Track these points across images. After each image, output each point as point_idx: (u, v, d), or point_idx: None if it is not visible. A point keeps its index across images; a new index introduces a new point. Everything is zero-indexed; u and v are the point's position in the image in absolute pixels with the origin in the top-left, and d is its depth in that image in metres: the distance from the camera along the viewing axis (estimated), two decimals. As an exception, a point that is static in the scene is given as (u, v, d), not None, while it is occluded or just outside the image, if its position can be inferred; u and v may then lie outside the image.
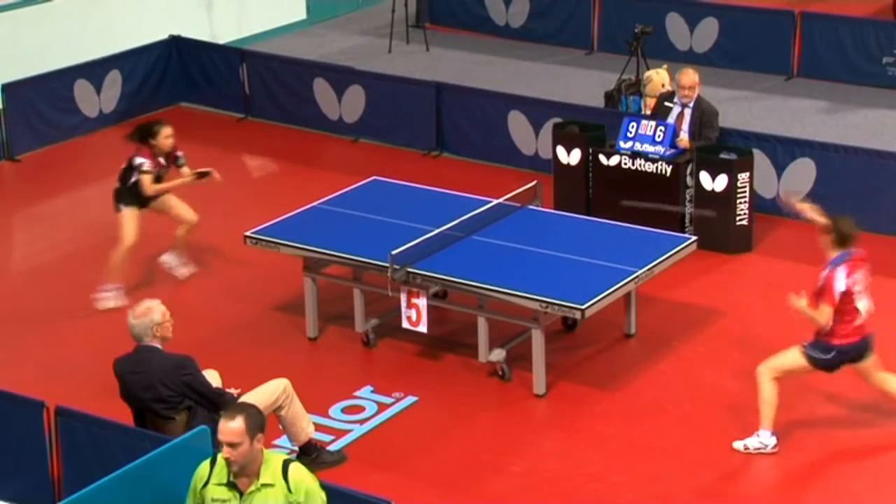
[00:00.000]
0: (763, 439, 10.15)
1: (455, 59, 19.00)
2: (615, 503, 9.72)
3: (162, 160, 12.65)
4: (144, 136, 12.59)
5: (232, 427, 7.80)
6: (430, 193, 12.75)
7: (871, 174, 13.60)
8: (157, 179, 12.68)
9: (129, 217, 12.56)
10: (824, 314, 9.82)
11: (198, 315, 12.28)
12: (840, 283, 9.83)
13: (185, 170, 12.86)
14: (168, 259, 13.08)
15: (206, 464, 8.12)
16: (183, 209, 12.88)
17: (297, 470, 8.02)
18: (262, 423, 7.96)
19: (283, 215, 12.43)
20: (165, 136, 12.58)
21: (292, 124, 16.84)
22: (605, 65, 18.05)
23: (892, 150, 14.01)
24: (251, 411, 7.96)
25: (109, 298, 12.55)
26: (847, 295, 9.87)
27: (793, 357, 10.09)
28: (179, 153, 12.85)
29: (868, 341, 10.04)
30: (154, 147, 12.56)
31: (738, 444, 10.21)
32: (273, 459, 8.02)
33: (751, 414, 10.62)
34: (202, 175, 12.79)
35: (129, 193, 12.58)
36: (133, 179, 12.54)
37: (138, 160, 12.51)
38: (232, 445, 7.81)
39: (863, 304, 10.00)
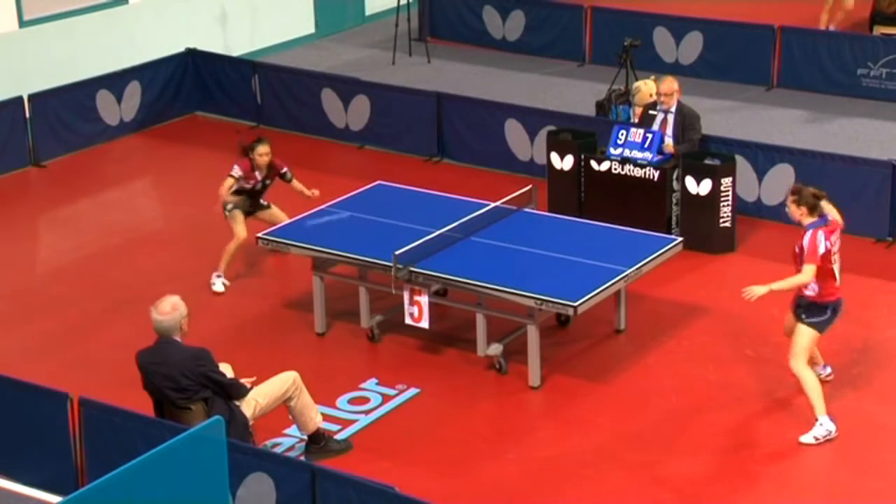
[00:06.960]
0: (826, 426, 10.08)
1: (455, 71, 18.97)
2: (605, 488, 9.71)
3: (258, 174, 12.74)
4: (245, 150, 12.76)
5: None
6: (431, 197, 12.73)
7: (846, 179, 13.55)
8: (260, 192, 12.85)
9: (237, 217, 12.78)
10: (808, 273, 9.87)
11: (214, 312, 12.28)
12: (821, 244, 9.91)
13: (295, 183, 12.99)
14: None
15: None
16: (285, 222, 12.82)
17: None
18: None
19: (293, 217, 12.43)
20: (259, 154, 12.68)
21: (301, 132, 16.81)
22: (596, 76, 18.02)
23: (865, 156, 14.00)
24: None
25: (216, 283, 12.79)
26: (826, 255, 9.94)
27: (806, 334, 10.08)
28: (284, 168, 12.94)
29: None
30: (252, 161, 12.69)
31: (807, 438, 10.05)
32: None
33: (732, 402, 10.66)
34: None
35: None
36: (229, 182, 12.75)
37: (235, 167, 12.70)
38: None
39: (837, 265, 10.10)
